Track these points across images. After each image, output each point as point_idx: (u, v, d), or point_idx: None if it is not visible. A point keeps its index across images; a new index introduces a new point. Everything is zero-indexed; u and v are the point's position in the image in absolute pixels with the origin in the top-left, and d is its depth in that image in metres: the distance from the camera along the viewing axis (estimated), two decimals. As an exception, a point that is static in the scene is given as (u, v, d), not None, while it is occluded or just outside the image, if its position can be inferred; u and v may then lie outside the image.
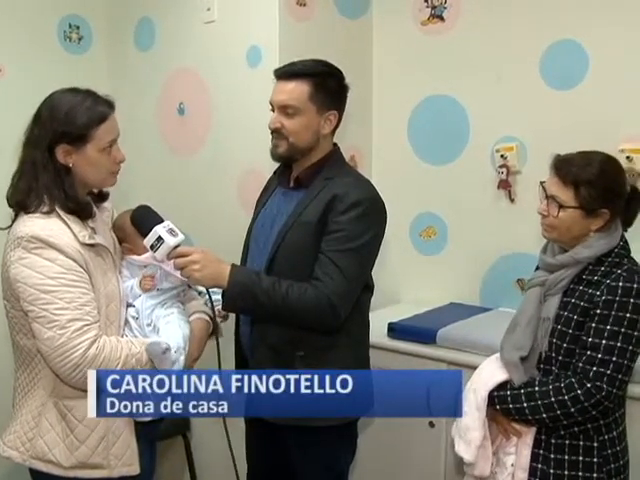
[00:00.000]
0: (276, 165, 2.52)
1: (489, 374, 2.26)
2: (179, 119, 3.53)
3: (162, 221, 2.10)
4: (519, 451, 2.20)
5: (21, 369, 2.11)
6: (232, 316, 2.52)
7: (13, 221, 2.05)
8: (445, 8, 3.39)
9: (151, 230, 2.06)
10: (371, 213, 2.28)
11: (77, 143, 2.01)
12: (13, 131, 2.06)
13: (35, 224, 1.97)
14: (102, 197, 2.24)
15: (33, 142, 2.03)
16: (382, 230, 2.36)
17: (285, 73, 2.31)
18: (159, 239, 2.05)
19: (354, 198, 2.24)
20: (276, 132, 2.32)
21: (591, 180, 2.10)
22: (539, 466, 2.17)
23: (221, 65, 3.33)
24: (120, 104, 2.13)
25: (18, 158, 2.06)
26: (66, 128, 1.99)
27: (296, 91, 2.27)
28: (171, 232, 2.07)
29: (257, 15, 3.18)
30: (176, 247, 2.08)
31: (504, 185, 3.25)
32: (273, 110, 2.33)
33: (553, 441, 2.16)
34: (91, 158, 2.03)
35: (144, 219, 2.14)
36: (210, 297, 2.19)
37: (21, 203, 2.02)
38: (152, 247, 2.06)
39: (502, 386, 2.22)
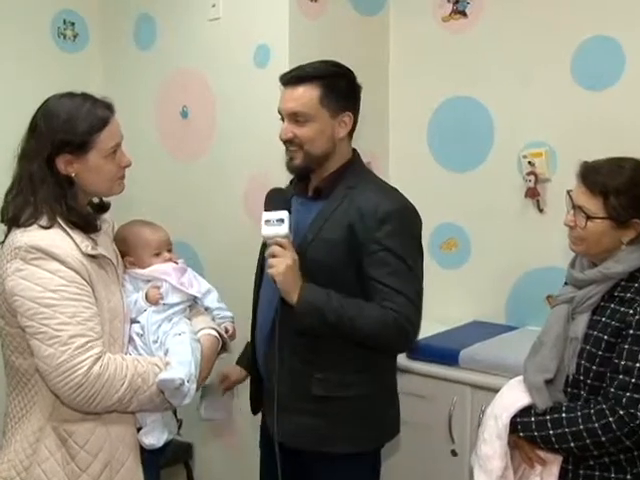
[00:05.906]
0: (287, 171, 2.51)
1: (511, 399, 2.24)
2: (182, 123, 3.57)
3: (289, 210, 2.25)
4: (544, 482, 2.20)
5: (15, 392, 2.08)
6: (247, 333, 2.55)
7: (6, 236, 2.04)
8: (468, 3, 3.43)
9: (279, 209, 2.23)
10: (406, 223, 2.30)
11: (79, 152, 2.01)
12: (5, 134, 2.08)
13: (34, 234, 1.96)
14: (103, 208, 2.24)
15: (30, 155, 2.02)
16: (420, 234, 2.37)
17: (292, 78, 2.31)
18: (280, 221, 2.22)
19: (384, 211, 2.24)
20: (289, 142, 2.32)
21: (620, 189, 2.09)
22: (565, 499, 2.16)
23: (227, 66, 3.36)
24: (118, 106, 2.13)
25: (12, 173, 2.06)
26: (66, 137, 1.99)
27: (305, 96, 2.27)
28: (290, 224, 2.24)
29: (265, 12, 3.21)
30: (285, 237, 2.23)
31: (532, 194, 3.26)
32: (282, 119, 2.33)
33: (581, 472, 2.13)
34: (95, 166, 2.04)
35: (276, 199, 2.29)
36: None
37: (15, 218, 2.01)
38: (267, 222, 2.23)
39: (525, 411, 2.20)
